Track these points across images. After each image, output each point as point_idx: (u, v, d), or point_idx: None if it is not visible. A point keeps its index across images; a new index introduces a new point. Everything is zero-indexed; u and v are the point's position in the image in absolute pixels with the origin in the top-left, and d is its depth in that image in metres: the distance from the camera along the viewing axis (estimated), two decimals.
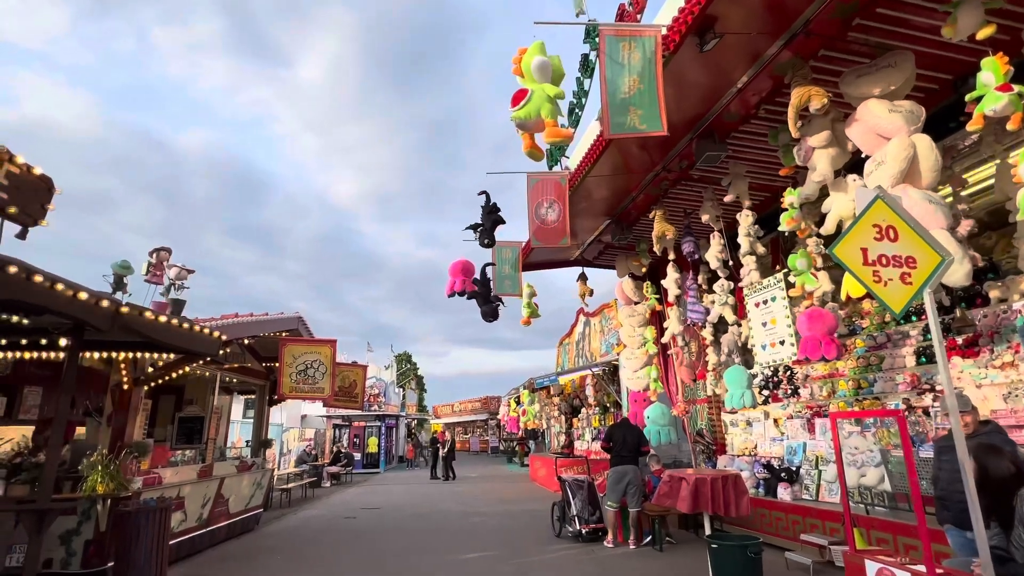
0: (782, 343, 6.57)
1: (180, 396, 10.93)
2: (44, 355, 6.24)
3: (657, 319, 9.94)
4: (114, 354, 6.41)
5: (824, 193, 5.69)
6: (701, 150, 6.30)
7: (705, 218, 7.53)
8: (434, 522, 10.56)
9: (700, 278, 8.54)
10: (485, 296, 7.58)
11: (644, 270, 9.60)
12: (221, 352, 7.26)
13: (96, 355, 6.42)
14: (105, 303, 4.24)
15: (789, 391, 7.98)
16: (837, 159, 5.34)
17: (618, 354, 12.68)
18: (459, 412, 38.81)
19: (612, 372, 13.59)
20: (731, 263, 7.57)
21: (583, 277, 10.21)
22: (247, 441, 11.82)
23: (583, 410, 17.16)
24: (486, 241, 7.24)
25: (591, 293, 10.33)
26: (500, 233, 7.97)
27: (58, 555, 6.23)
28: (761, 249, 7.19)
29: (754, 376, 8.45)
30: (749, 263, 7.20)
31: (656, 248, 8.00)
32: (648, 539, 7.87)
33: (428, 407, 43.15)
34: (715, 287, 7.72)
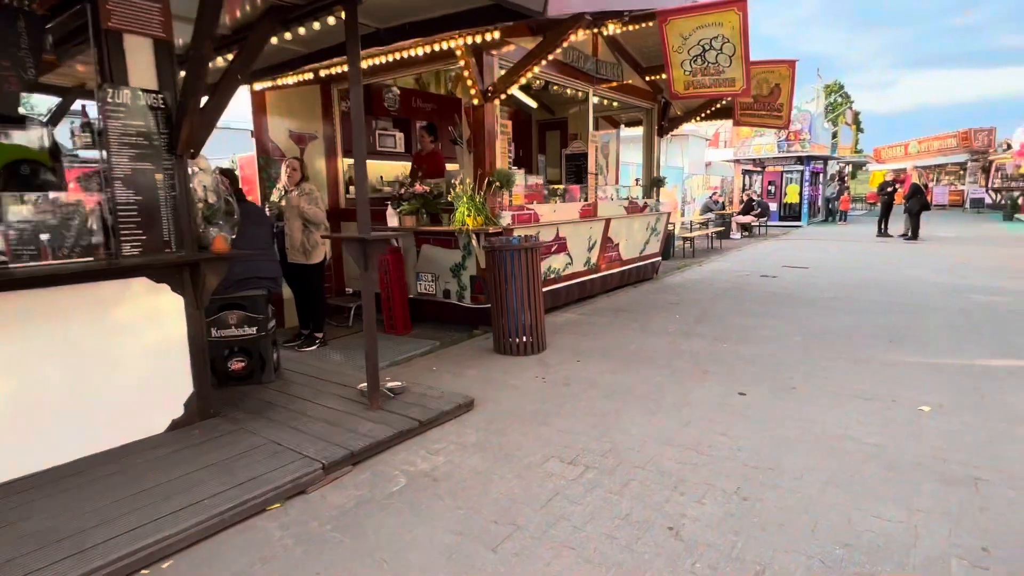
0: None
1: (564, 132, 9.76)
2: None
3: None
4: (450, 45, 4.93)
5: None
6: None
7: None
8: (899, 295, 7.09)
9: None
10: None
11: None
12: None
13: (432, 46, 5.04)
14: None
15: None
16: None
17: None
18: (916, 154, 29.12)
19: None
20: None
21: None
22: (636, 179, 10.16)
23: None
24: None
25: None
26: None
27: (453, 288, 5.96)
28: None
29: None
30: None
31: None
32: None
33: (865, 150, 34.39)
34: None
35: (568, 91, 7.31)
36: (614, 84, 7.62)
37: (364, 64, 5.22)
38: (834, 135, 23.48)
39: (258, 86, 5.82)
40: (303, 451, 2.92)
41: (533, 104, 9.42)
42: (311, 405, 3.61)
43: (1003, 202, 21.71)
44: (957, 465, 2.78)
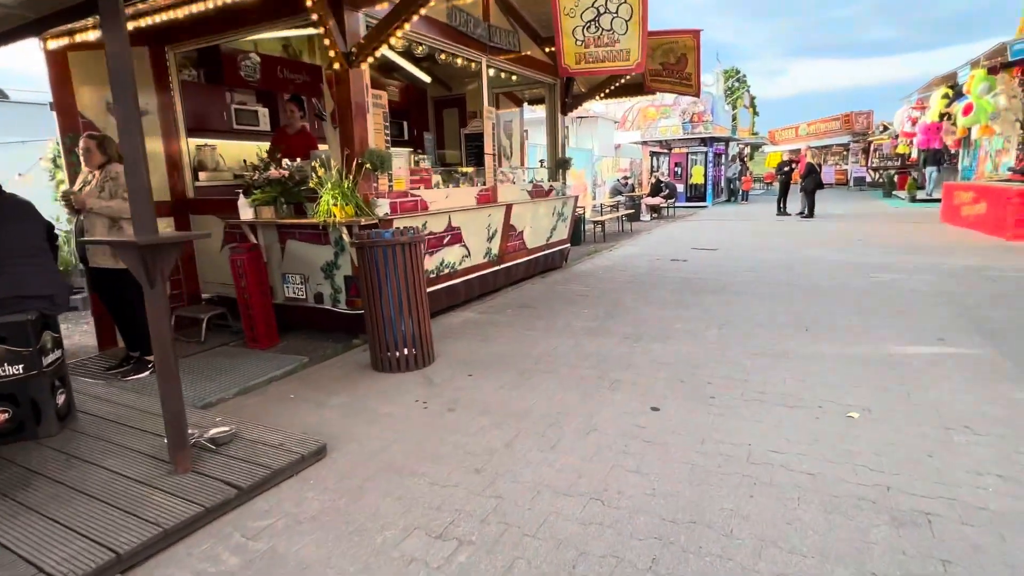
0: None
1: (463, 110, 8.93)
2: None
3: None
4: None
5: None
6: None
7: None
8: (806, 277, 6.96)
9: None
10: None
11: None
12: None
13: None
14: None
15: None
16: None
17: None
18: (806, 136, 30.89)
19: None
20: None
21: None
22: (541, 161, 9.58)
23: None
24: None
25: None
26: None
27: (326, 291, 5.04)
28: None
29: None
30: None
31: None
32: None
33: (761, 132, 36.12)
34: None
35: (460, 61, 6.48)
36: (511, 55, 6.89)
37: (180, 13, 4.13)
38: (734, 118, 24.23)
39: (53, 43, 4.53)
40: (41, 562, 1.98)
41: (426, 78, 8.52)
42: (95, 471, 2.64)
43: (881, 180, 23.35)
44: (903, 495, 2.32)
